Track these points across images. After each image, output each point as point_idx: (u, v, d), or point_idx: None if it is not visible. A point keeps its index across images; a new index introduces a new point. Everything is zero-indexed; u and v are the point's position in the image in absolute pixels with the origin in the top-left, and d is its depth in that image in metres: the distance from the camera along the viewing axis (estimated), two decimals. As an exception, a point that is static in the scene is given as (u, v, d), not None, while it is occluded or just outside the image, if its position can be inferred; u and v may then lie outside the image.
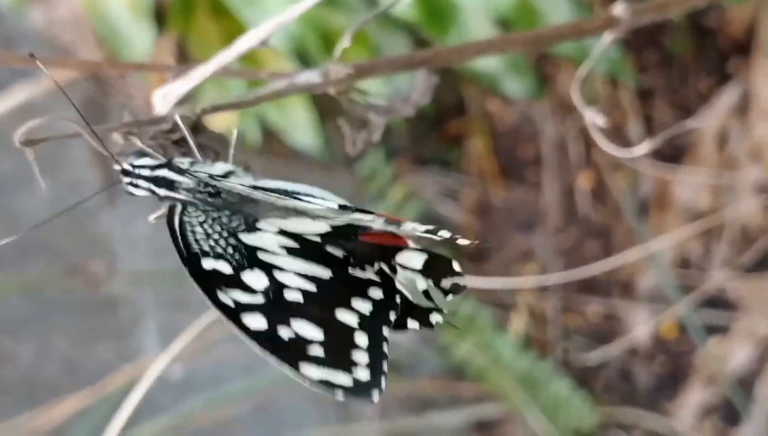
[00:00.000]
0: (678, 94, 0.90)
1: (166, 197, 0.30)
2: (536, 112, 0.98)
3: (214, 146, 0.31)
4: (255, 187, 0.29)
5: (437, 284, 0.31)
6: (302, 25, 0.61)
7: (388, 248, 0.30)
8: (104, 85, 0.90)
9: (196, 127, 0.31)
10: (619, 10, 0.33)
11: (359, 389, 0.30)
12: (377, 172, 0.92)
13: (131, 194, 0.31)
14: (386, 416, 0.94)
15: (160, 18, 0.71)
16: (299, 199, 0.29)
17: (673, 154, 0.89)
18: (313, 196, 0.30)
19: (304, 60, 0.67)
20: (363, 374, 0.30)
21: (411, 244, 0.31)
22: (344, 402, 0.94)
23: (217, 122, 0.88)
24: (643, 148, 0.34)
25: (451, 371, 0.95)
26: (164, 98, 0.30)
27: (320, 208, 0.29)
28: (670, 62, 0.89)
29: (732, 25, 0.88)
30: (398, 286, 0.30)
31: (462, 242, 0.30)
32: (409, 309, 0.31)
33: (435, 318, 0.32)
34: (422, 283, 0.31)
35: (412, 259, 0.31)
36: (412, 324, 0.32)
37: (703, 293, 0.88)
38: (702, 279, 0.87)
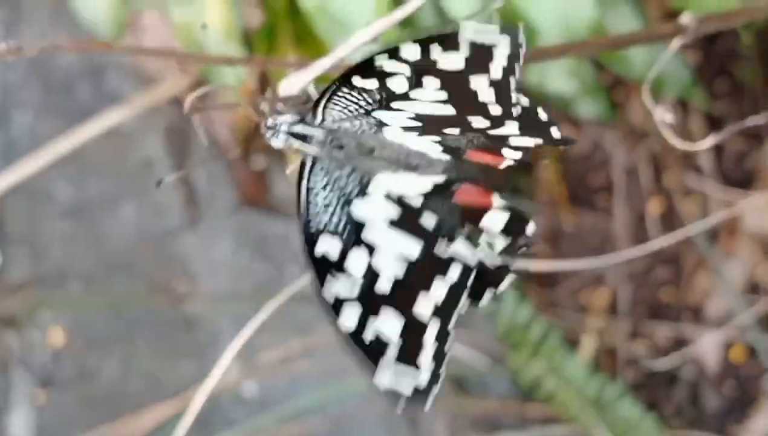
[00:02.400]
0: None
1: (299, 149, 0.36)
2: (606, 138, 1.00)
3: None
4: None
5: (513, 243, 0.35)
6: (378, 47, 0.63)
7: (474, 213, 0.35)
8: (186, 112, 0.94)
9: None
10: (685, 18, 0.35)
11: (417, 397, 0.34)
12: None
13: (272, 145, 0.37)
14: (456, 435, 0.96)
15: (246, 45, 0.75)
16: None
17: (743, 180, 0.90)
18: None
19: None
20: (423, 379, 0.34)
21: (495, 204, 0.35)
22: (415, 421, 0.96)
23: (292, 155, 0.91)
24: (708, 141, 0.37)
25: (521, 392, 0.96)
26: (289, 87, 0.36)
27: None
28: (741, 91, 0.90)
29: (803, 52, 0.89)
30: (478, 251, 0.34)
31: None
32: (480, 284, 0.36)
33: (506, 281, 0.36)
34: (501, 242, 0.35)
35: (494, 220, 0.35)
36: (488, 294, 0.36)
37: (774, 318, 0.88)
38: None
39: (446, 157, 0.36)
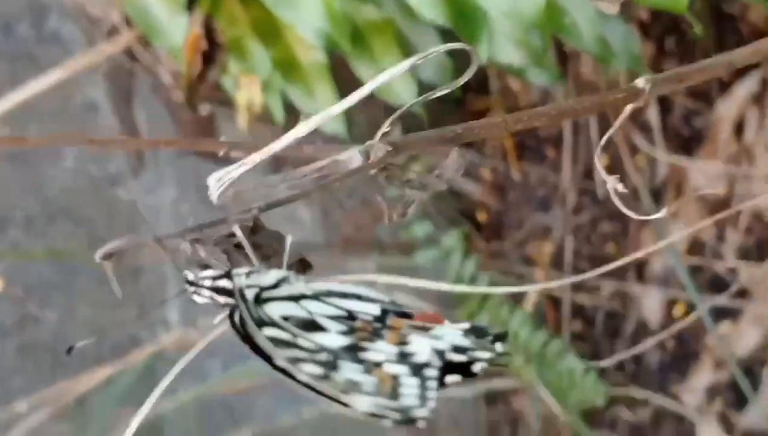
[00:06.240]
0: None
1: (226, 304, 0.32)
2: (557, 90, 0.99)
3: (271, 244, 0.33)
4: (302, 297, 0.31)
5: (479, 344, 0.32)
6: (332, 24, 0.62)
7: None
8: (134, 59, 0.91)
9: (255, 228, 0.33)
10: (641, 82, 0.34)
11: (406, 418, 0.31)
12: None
13: (195, 302, 0.33)
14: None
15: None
16: (347, 296, 0.31)
17: (691, 141, 0.90)
18: (361, 297, 0.32)
19: (334, 53, 0.68)
20: (411, 402, 0.31)
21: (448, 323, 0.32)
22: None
23: (241, 97, 0.89)
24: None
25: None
26: (217, 182, 0.32)
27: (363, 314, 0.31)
28: (692, 49, 0.90)
29: (752, 11, 0.89)
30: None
31: (499, 355, 0.32)
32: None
33: (478, 366, 0.32)
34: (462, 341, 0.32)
35: (451, 332, 0.32)
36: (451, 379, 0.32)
37: (716, 278, 0.89)
38: (715, 265, 0.89)
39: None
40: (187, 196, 0.98)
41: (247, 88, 0.83)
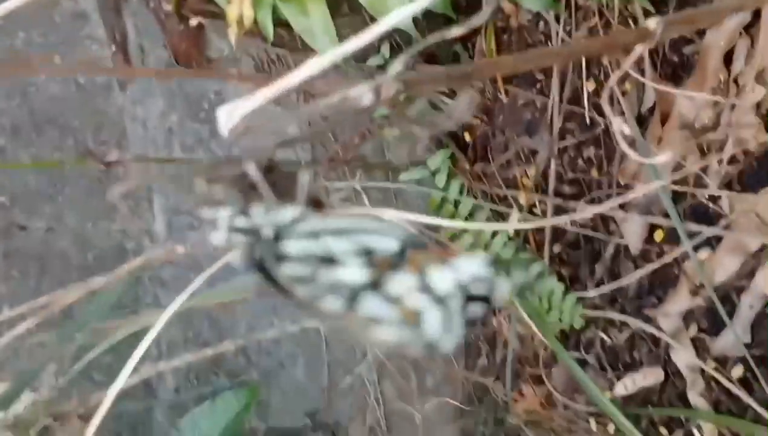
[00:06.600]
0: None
1: (242, 241, 0.32)
2: (549, 13, 0.99)
3: (285, 183, 0.32)
4: (320, 233, 0.31)
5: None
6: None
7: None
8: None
9: (269, 166, 0.32)
10: (653, 23, 0.34)
11: (431, 350, 0.32)
12: (387, 68, 0.93)
13: (212, 240, 0.33)
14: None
15: None
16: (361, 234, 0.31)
17: (680, 69, 0.90)
18: (376, 233, 0.32)
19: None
20: (435, 333, 0.32)
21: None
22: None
23: (232, 11, 0.88)
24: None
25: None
26: (229, 115, 0.32)
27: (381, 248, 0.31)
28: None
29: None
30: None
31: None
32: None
33: (498, 297, 0.33)
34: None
35: (469, 263, 0.32)
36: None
37: (699, 206, 0.90)
38: (698, 193, 0.89)
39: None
40: (175, 108, 0.98)
41: (238, 2, 0.82)
